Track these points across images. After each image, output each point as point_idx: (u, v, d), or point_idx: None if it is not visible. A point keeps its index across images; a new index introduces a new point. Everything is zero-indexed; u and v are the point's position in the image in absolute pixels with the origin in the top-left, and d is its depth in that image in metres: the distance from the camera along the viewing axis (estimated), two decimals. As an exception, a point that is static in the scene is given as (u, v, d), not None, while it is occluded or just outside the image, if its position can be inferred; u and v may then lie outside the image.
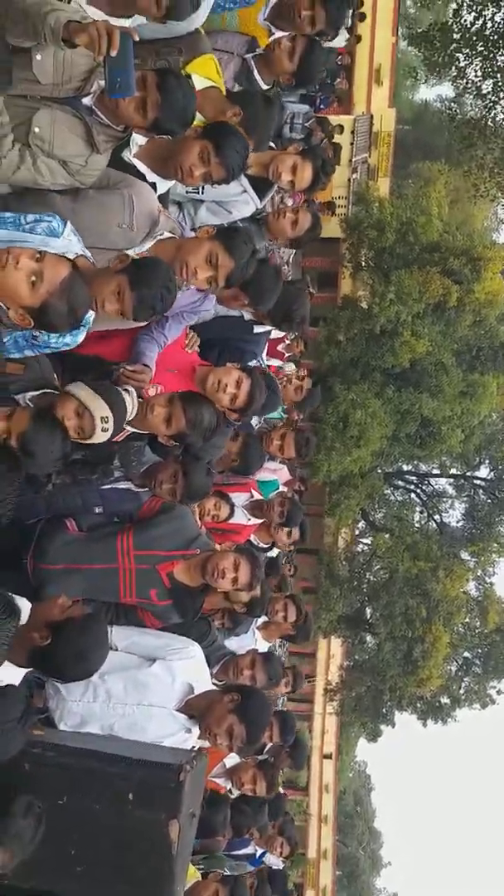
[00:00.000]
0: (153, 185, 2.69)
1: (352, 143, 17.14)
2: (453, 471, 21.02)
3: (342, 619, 18.75)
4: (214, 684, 3.22)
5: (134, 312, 2.38)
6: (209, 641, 3.34)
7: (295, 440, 4.20)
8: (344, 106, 15.79)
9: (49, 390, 2.42)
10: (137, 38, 2.22)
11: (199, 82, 2.97)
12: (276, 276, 3.13)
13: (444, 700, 20.62)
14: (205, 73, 3.01)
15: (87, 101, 2.41)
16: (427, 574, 17.59)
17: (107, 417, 2.39)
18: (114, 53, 2.12)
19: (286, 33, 3.45)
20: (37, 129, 2.37)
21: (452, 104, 19.97)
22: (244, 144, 2.74)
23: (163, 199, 2.79)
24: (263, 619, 4.51)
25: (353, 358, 16.34)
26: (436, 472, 21.55)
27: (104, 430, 2.36)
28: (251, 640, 4.27)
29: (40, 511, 2.96)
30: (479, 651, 20.76)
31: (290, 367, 6.43)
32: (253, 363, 4.12)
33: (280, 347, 4.83)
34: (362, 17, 13.77)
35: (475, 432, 18.24)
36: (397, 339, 15.56)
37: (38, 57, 2.30)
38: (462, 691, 20.74)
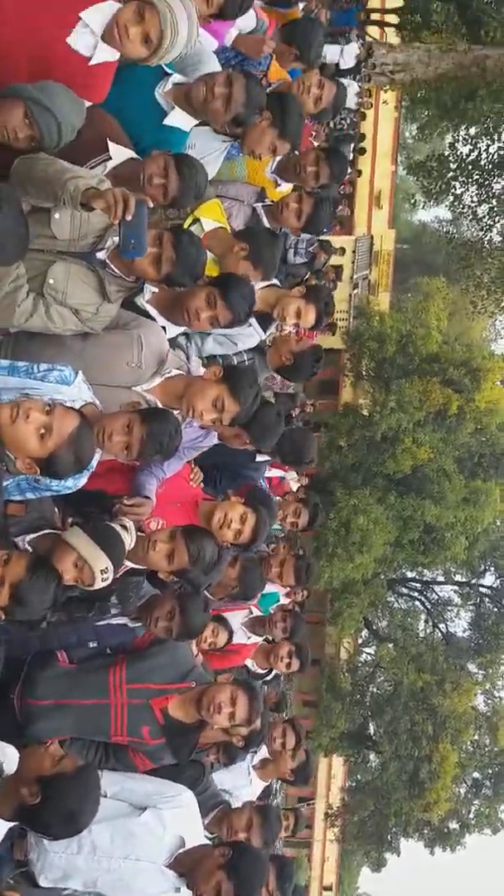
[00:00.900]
0: (163, 328, 2.80)
1: (353, 262, 18.00)
2: (458, 578, 20.68)
3: (344, 736, 17.93)
4: (206, 836, 3.03)
5: (141, 446, 2.42)
6: (202, 788, 3.18)
7: (295, 567, 4.16)
8: (345, 228, 16.67)
9: (50, 531, 2.42)
10: (151, 205, 2.37)
11: (207, 224, 3.17)
12: (278, 417, 3.21)
13: (453, 825, 19.37)
14: (212, 216, 3.21)
15: (101, 255, 2.54)
16: (433, 687, 16.97)
17: (107, 568, 2.39)
18: (129, 218, 2.26)
19: (291, 185, 3.70)
20: (51, 281, 2.49)
21: (450, 226, 21.10)
22: (250, 290, 2.87)
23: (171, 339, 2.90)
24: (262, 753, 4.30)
25: (354, 463, 16.47)
26: (440, 579, 21.20)
27: (104, 580, 2.35)
28: (245, 780, 4.05)
29: (33, 647, 2.89)
30: (490, 771, 19.71)
31: (293, 477, 6.46)
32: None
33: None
34: (362, 151, 14.77)
35: (479, 539, 18.10)
36: (399, 445, 15.74)
37: (57, 216, 2.45)
38: (472, 815, 19.53)
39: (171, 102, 2.78)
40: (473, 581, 20.49)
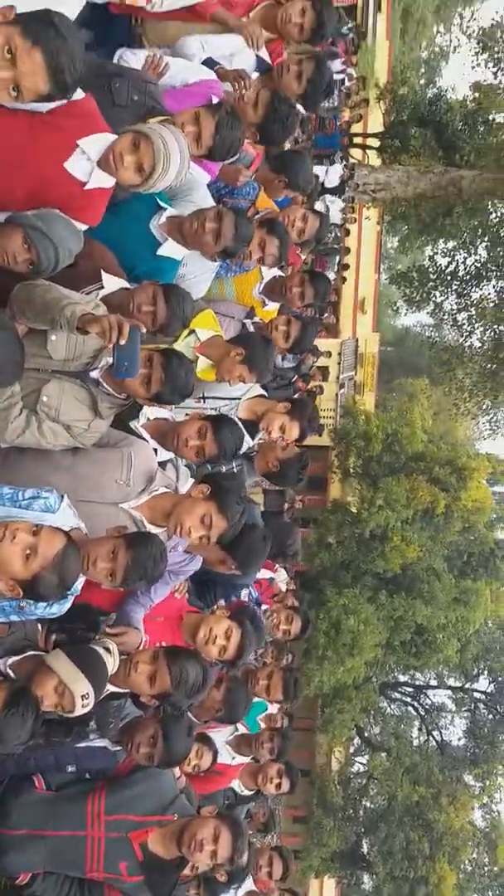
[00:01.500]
0: (154, 450, 2.85)
1: (339, 363, 18.57)
2: (451, 682, 20.09)
3: (336, 856, 16.85)
4: None
5: (125, 572, 2.40)
6: (183, 932, 2.95)
7: (283, 680, 4.04)
8: (331, 333, 17.28)
9: (32, 653, 2.35)
10: (144, 331, 2.47)
11: (203, 334, 3.29)
12: (264, 541, 3.22)
13: None
14: (207, 326, 3.33)
15: (94, 374, 2.61)
16: (429, 801, 16.15)
17: (87, 694, 2.31)
18: (122, 342, 2.34)
19: (278, 304, 3.87)
20: (45, 398, 2.55)
21: (432, 331, 21.93)
22: (240, 434, 2.95)
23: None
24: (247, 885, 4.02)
25: (343, 561, 16.33)
26: (433, 683, 20.59)
27: (84, 706, 2.28)
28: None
29: (9, 770, 2.76)
30: (490, 894, 18.46)
31: (282, 578, 6.36)
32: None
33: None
34: (346, 266, 15.52)
35: (471, 641, 17.73)
36: (387, 543, 15.68)
37: (53, 338, 2.54)
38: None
39: (165, 234, 2.94)
40: (467, 685, 19.90)
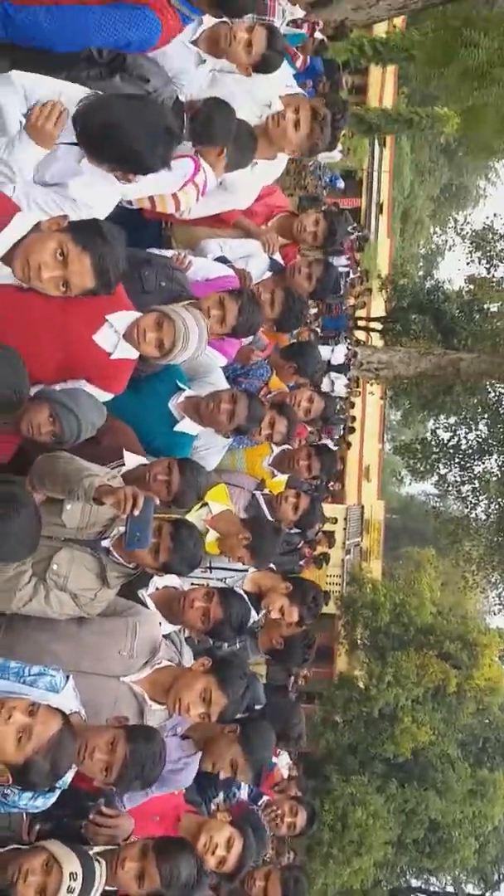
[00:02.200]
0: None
1: (345, 529, 18.60)
2: (470, 889, 17.99)
3: None
4: None
5: (122, 768, 2.29)
6: None
7: (282, 882, 3.66)
8: (337, 499, 17.51)
9: (14, 847, 2.18)
10: (158, 502, 2.55)
11: (215, 507, 3.37)
12: (269, 732, 3.13)
13: None
14: (219, 500, 3.42)
15: (105, 542, 2.66)
16: None
17: (75, 874, 2.12)
18: (136, 513, 2.41)
19: (287, 476, 4.00)
20: (55, 567, 2.57)
21: (437, 500, 22.16)
22: (246, 608, 2.97)
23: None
24: None
25: (351, 743, 15.30)
26: (450, 889, 18.44)
27: (70, 891, 2.06)
28: None
29: None
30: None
31: (284, 763, 5.92)
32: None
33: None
34: (351, 430, 16.08)
35: (490, 840, 16.13)
36: (397, 724, 14.78)
37: (69, 507, 2.62)
38: None
39: (182, 412, 3.13)
40: (487, 894, 17.80)
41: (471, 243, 18.03)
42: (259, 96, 3.31)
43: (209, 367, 3.43)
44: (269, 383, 3.97)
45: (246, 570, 3.50)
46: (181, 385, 3.16)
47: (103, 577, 2.63)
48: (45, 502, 2.63)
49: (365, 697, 15.38)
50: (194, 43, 3.08)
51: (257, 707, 3.33)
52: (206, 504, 3.34)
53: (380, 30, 15.56)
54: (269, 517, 3.73)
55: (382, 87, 23.27)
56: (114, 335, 2.68)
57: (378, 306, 19.26)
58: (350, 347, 14.76)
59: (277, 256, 3.88)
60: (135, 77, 2.73)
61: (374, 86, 22.94)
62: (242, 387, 3.62)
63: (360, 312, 18.17)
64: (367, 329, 18.90)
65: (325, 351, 12.74)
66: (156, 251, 3.53)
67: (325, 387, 12.13)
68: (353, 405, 15.87)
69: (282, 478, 4.03)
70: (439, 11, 10.78)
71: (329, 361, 13.11)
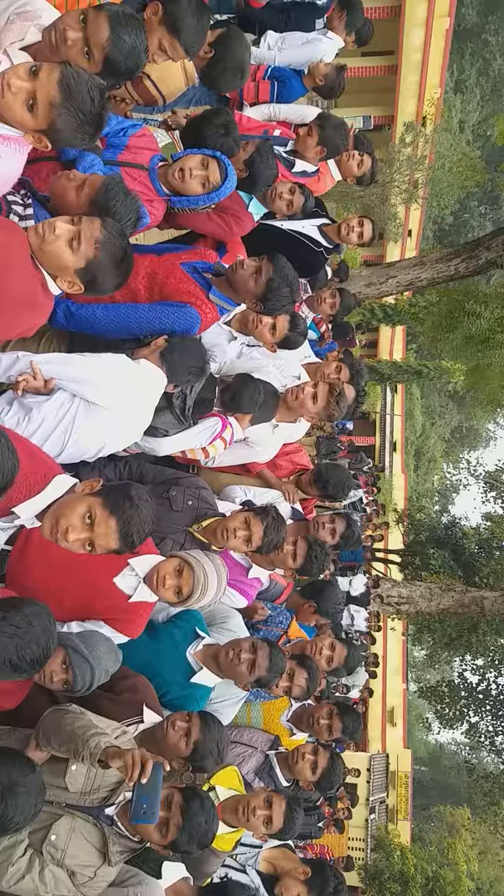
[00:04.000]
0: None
1: (368, 781, 16.91)
2: None
3: None
4: None
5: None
6: None
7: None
8: (360, 745, 16.18)
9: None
10: (168, 769, 2.39)
11: (222, 793, 3.11)
12: None
13: None
14: (228, 784, 3.17)
15: (109, 811, 2.46)
16: None
17: None
18: (144, 781, 2.25)
19: (305, 734, 3.76)
20: (53, 837, 2.36)
21: (468, 752, 20.34)
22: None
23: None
24: None
25: None
26: None
27: None
28: None
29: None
30: None
31: None
32: None
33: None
34: (374, 674, 15.33)
35: None
36: None
37: (74, 767, 2.46)
38: None
39: (200, 662, 3.05)
40: None
41: (484, 483, 18.60)
42: (287, 371, 3.71)
43: (229, 612, 3.40)
44: (288, 631, 3.90)
45: (260, 848, 3.16)
46: (200, 632, 3.12)
47: (104, 851, 2.40)
48: (50, 761, 2.48)
49: None
50: (227, 323, 3.53)
51: None
52: (213, 788, 3.09)
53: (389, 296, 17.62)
54: (283, 780, 3.44)
55: (392, 342, 25.76)
56: (134, 578, 2.73)
57: (396, 539, 19.38)
58: (369, 579, 14.60)
59: (298, 505, 4.05)
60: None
61: (385, 341, 25.41)
62: (261, 634, 3.56)
63: (378, 545, 18.24)
64: (385, 561, 18.83)
65: (342, 582, 12.63)
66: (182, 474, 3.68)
67: (344, 621, 11.84)
68: (374, 641, 15.30)
69: (300, 736, 3.78)
70: (443, 286, 12.24)
71: (348, 593, 12.91)
